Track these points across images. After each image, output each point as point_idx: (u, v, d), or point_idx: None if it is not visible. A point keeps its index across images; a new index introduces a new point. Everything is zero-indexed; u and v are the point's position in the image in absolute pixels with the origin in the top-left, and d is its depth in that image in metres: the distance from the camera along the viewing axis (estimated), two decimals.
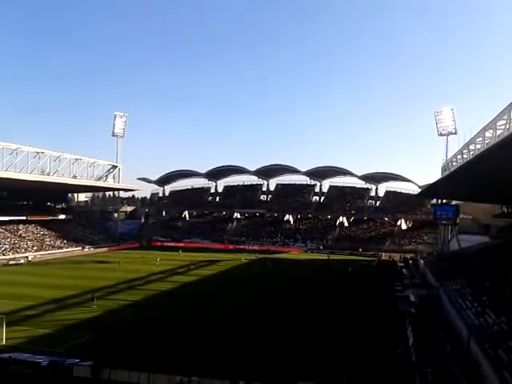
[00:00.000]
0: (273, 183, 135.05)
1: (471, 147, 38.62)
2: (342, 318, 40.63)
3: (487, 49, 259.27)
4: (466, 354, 27.68)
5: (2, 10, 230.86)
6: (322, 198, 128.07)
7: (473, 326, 30.60)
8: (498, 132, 29.11)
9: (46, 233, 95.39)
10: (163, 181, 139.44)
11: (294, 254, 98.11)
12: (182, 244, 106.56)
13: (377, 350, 31.05)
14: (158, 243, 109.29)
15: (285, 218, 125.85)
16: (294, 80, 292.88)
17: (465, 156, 41.68)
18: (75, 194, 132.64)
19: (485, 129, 32.19)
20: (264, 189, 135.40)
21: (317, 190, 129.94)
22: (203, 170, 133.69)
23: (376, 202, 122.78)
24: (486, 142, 31.99)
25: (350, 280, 62.84)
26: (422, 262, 74.30)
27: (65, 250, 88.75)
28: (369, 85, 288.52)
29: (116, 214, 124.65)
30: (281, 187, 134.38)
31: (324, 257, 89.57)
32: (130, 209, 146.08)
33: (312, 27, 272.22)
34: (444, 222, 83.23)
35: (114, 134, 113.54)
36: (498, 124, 29.03)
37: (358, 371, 27.04)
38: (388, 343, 32.60)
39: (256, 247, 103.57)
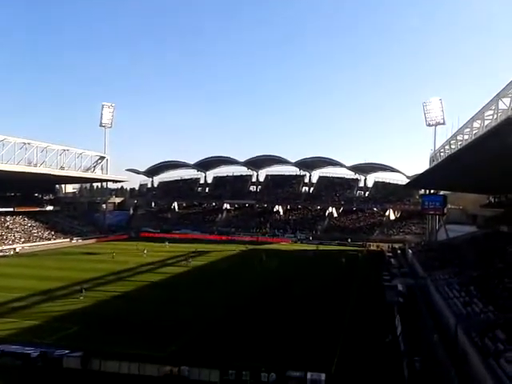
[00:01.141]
0: (262, 174, 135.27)
1: (459, 138, 38.91)
2: (331, 307, 40.89)
3: (476, 39, 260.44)
4: (453, 342, 28.00)
5: None
6: (312, 189, 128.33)
7: (460, 315, 30.96)
8: (486, 122, 29.32)
9: (34, 224, 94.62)
10: (152, 172, 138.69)
11: (284, 244, 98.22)
12: (171, 235, 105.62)
13: (365, 339, 31.33)
14: (148, 234, 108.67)
15: (274, 209, 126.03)
16: (283, 71, 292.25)
17: (453, 146, 41.97)
18: (63, 186, 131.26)
19: (473, 119, 32.41)
20: (254, 180, 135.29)
21: (306, 180, 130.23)
22: (192, 161, 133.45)
23: (365, 193, 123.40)
24: (474, 132, 32.19)
25: (343, 270, 63.13)
26: (410, 251, 74.84)
27: (53, 241, 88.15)
28: (357, 76, 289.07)
29: (104, 206, 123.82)
30: (270, 178, 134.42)
31: (313, 247, 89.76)
32: (118, 200, 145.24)
33: (302, 21, 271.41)
34: (432, 212, 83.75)
35: (101, 125, 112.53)
36: (486, 114, 29.25)
37: (346, 360, 27.29)
38: (376, 332, 32.88)
39: (246, 238, 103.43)
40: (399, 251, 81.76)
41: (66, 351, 26.41)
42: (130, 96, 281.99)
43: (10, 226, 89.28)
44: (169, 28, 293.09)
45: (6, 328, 31.87)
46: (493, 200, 71.27)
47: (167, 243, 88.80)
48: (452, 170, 44.61)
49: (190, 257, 69.63)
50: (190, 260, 67.02)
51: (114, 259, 68.55)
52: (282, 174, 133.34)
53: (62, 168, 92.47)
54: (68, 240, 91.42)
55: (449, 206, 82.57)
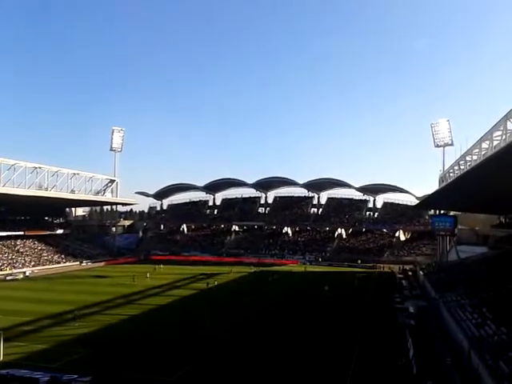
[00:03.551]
0: (271, 196, 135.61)
1: (468, 158, 38.75)
2: (343, 330, 40.42)
3: (483, 60, 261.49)
4: (466, 365, 27.56)
5: None
6: (320, 210, 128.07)
7: (473, 338, 30.52)
8: (495, 143, 29.23)
9: (44, 247, 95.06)
10: (161, 194, 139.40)
11: (292, 266, 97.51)
12: (180, 257, 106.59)
13: (378, 363, 30.86)
14: (158, 257, 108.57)
15: (283, 231, 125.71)
16: (291, 92, 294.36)
17: (462, 167, 41.80)
18: (73, 209, 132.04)
19: (481, 140, 32.31)
20: (262, 201, 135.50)
21: (315, 202, 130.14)
22: (201, 184, 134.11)
23: (374, 214, 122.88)
24: (483, 153, 32.09)
25: (355, 292, 62.43)
26: (421, 273, 74.16)
27: (62, 264, 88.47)
28: (365, 97, 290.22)
29: (114, 228, 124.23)
30: (279, 199, 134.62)
31: (323, 268, 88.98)
32: (127, 223, 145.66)
33: (308, 36, 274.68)
34: (442, 233, 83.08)
35: (111, 149, 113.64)
36: (495, 135, 29.15)
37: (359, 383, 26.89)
38: (388, 355, 32.41)
39: (254, 260, 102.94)
40: (410, 273, 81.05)
41: (75, 376, 26.23)
42: (139, 119, 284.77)
43: (21, 250, 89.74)
44: (172, 49, 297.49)
45: (15, 352, 31.75)
46: (504, 220, 70.76)
47: (161, 266, 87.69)
48: (462, 190, 44.48)
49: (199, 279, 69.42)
50: (209, 283, 67.08)
51: (123, 282, 68.48)
52: (291, 195, 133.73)
53: (72, 192, 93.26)
54: (78, 263, 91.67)
55: (459, 226, 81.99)
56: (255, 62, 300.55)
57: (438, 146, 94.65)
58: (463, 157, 40.66)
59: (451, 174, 49.85)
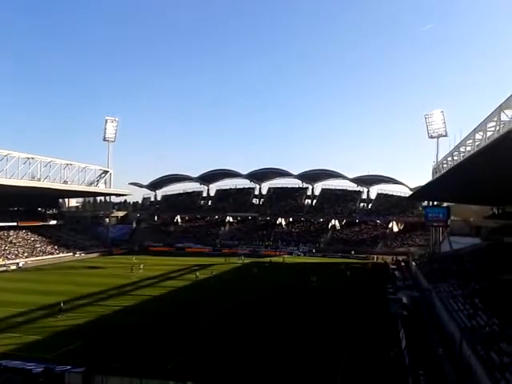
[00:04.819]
0: (265, 187, 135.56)
1: (461, 149, 38.77)
2: (335, 321, 40.61)
3: (477, 51, 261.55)
4: (458, 355, 27.77)
5: None
6: (314, 201, 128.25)
7: (465, 328, 30.71)
8: (488, 134, 29.24)
9: (37, 239, 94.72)
10: (155, 185, 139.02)
11: (286, 257, 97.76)
12: (173, 249, 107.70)
13: (370, 353, 31.06)
14: (155, 248, 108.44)
15: (277, 222, 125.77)
16: (286, 82, 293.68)
17: (455, 158, 41.85)
18: (66, 200, 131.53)
19: (475, 131, 32.30)
20: (256, 192, 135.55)
21: (309, 193, 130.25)
22: (195, 174, 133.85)
23: (368, 205, 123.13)
24: (477, 143, 32.11)
25: (348, 283, 62.79)
26: (413, 264, 74.51)
27: (56, 255, 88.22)
28: (359, 87, 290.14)
29: (107, 220, 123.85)
30: (273, 191, 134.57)
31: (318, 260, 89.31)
32: (121, 214, 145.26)
33: (304, 27, 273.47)
34: (435, 224, 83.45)
35: (105, 139, 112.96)
36: (488, 126, 29.15)
37: (351, 374, 27.04)
38: (381, 346, 32.61)
39: (247, 251, 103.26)
40: (403, 263, 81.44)
41: (68, 367, 26.25)
42: (133, 109, 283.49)
43: (14, 241, 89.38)
44: (170, 40, 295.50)
45: (8, 343, 31.78)
46: (496, 211, 71.03)
47: (134, 258, 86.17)
48: (455, 181, 44.54)
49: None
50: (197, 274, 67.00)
51: (116, 273, 68.46)
52: (285, 186, 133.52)
53: (65, 182, 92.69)
54: (71, 254, 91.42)
55: (452, 217, 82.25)
56: (251, 50, 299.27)
57: (431, 137, 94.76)
58: (457, 148, 40.68)
59: (445, 165, 49.92)
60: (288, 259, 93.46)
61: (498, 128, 26.78)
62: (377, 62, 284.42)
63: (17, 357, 28.39)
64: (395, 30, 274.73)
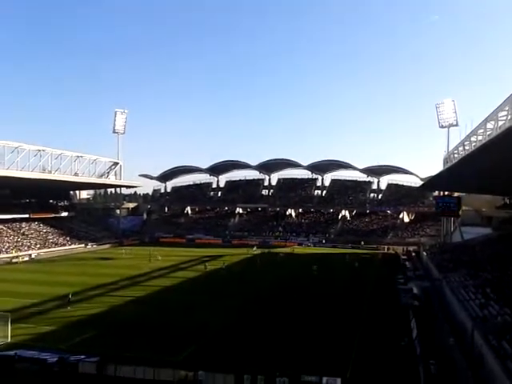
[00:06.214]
0: (274, 178, 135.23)
1: (473, 139, 38.47)
2: (346, 311, 40.70)
3: (489, 40, 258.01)
4: (469, 345, 27.72)
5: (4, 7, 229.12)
6: (324, 192, 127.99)
7: (476, 318, 30.64)
8: (500, 123, 28.99)
9: (49, 230, 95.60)
10: (165, 177, 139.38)
11: (296, 248, 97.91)
12: (184, 240, 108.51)
13: (381, 343, 31.12)
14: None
15: (287, 213, 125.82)
16: (295, 74, 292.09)
17: (466, 148, 41.56)
18: (77, 192, 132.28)
19: (486, 120, 32.05)
20: (266, 183, 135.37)
21: (319, 183, 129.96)
22: (205, 166, 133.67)
23: (378, 195, 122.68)
24: (488, 133, 31.85)
25: (355, 274, 62.87)
26: (424, 254, 74.32)
27: (68, 247, 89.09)
28: (370, 77, 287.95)
29: (118, 211, 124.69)
30: (283, 182, 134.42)
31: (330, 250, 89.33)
32: (132, 205, 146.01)
33: (311, 19, 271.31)
34: (446, 214, 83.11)
35: (114, 131, 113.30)
36: (500, 115, 28.91)
37: (362, 364, 27.12)
38: (392, 336, 32.66)
39: (257, 242, 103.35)
40: (414, 254, 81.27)
41: (82, 356, 26.61)
42: (142, 102, 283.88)
43: (26, 233, 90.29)
44: (180, 32, 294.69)
45: (22, 333, 32.14)
46: (508, 201, 70.59)
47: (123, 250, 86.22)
48: (467, 170, 44.22)
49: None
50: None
51: (129, 264, 69.03)
52: (295, 177, 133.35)
53: (76, 174, 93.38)
54: (83, 246, 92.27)
55: (463, 207, 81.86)
56: (257, 41, 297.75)
57: (442, 126, 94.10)
58: (468, 137, 40.40)
59: (456, 155, 49.63)
60: (297, 250, 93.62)
61: (509, 117, 26.55)
62: (387, 51, 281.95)
63: (31, 347, 28.74)
64: (405, 20, 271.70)
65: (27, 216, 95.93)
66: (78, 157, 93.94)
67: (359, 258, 75.89)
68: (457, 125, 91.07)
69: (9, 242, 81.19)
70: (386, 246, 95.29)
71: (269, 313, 40.09)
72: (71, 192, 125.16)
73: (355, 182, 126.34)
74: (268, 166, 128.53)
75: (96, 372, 25.14)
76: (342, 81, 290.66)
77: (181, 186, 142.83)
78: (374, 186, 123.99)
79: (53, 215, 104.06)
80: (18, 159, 77.00)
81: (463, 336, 30.11)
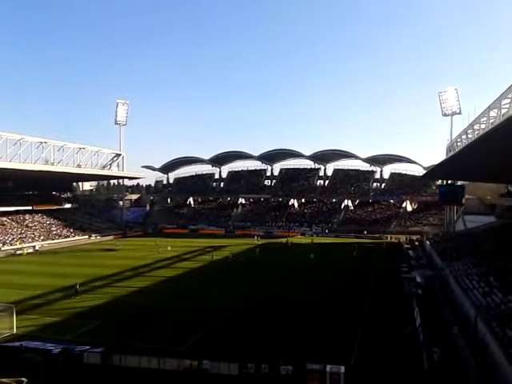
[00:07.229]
0: (277, 168, 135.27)
1: (476, 127, 38.25)
2: (349, 300, 40.79)
3: (492, 27, 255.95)
4: (473, 333, 27.78)
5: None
6: (327, 182, 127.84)
7: (480, 306, 30.67)
8: (503, 111, 28.79)
9: (53, 222, 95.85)
10: (167, 168, 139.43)
11: (300, 237, 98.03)
12: (187, 230, 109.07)
13: (384, 331, 31.21)
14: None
15: (289, 203, 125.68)
16: (296, 63, 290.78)
17: (469, 136, 41.35)
18: (80, 183, 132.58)
19: (489, 108, 31.83)
20: (268, 174, 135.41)
21: (321, 173, 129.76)
22: (207, 157, 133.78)
23: (381, 185, 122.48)
24: (491, 121, 31.66)
25: (355, 263, 62.98)
26: (427, 243, 74.29)
27: (71, 238, 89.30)
28: (372, 66, 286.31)
29: (121, 202, 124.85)
30: (285, 172, 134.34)
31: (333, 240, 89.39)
32: (134, 197, 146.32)
33: (312, 7, 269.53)
34: (449, 203, 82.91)
35: (116, 122, 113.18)
36: (503, 103, 28.69)
37: (365, 352, 27.22)
38: (395, 324, 32.74)
39: (260, 232, 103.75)
40: (417, 243, 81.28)
41: (87, 347, 26.75)
42: (143, 93, 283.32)
43: (30, 224, 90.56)
44: (181, 22, 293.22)
45: (27, 324, 32.33)
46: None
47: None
48: (470, 159, 43.99)
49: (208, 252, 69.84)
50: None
51: (133, 255, 69.29)
52: (297, 167, 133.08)
53: (78, 166, 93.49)
54: (86, 237, 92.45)
55: (466, 196, 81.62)
56: (259, 31, 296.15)
57: (445, 114, 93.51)
58: (471, 125, 40.16)
59: (459, 143, 49.39)
60: (296, 240, 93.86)
61: None
62: (389, 39, 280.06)
63: (36, 338, 28.94)
64: (407, 7, 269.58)
65: (30, 208, 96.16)
66: (80, 148, 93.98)
67: (359, 248, 75.81)
68: (460, 113, 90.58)
69: (13, 234, 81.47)
70: (389, 235, 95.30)
71: (272, 300, 40.31)
72: (74, 184, 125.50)
73: (358, 171, 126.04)
74: (270, 157, 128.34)
75: (101, 362, 25.27)
76: (344, 69, 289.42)
77: (183, 177, 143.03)
78: (377, 176, 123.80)
79: (56, 207, 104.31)
80: (20, 151, 77.27)
81: (467, 324, 30.17)
